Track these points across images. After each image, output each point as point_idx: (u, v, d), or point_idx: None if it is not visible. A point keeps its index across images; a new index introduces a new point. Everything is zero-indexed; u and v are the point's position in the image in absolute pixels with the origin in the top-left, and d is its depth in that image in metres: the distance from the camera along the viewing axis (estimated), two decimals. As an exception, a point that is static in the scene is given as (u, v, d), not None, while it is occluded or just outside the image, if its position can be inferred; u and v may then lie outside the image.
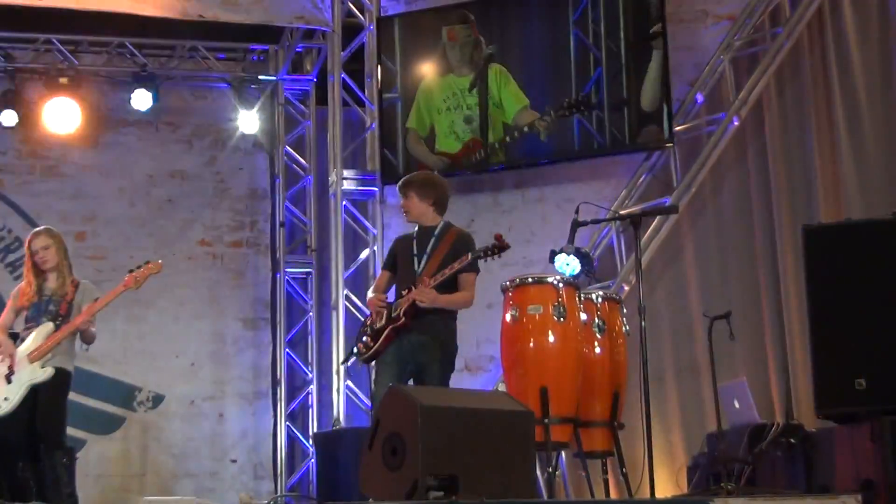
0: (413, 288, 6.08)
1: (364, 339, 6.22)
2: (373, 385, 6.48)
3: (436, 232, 6.25)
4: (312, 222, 9.76)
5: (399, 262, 6.32)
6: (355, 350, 6.32)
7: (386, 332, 6.09)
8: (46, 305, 6.74)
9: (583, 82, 8.71)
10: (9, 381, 6.59)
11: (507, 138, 8.88)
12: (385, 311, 6.15)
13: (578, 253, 6.59)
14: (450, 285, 6.10)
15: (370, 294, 6.40)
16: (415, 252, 6.23)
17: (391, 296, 6.35)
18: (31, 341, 6.64)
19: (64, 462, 6.60)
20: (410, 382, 6.15)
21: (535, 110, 8.80)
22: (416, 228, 6.34)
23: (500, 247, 5.98)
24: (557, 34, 8.85)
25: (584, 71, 8.73)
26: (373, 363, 6.32)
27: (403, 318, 6.04)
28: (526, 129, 8.83)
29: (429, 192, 6.31)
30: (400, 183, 6.42)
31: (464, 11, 9.10)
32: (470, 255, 6.02)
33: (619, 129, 8.63)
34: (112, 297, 6.73)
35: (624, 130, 8.62)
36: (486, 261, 6.08)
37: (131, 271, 6.83)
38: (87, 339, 6.85)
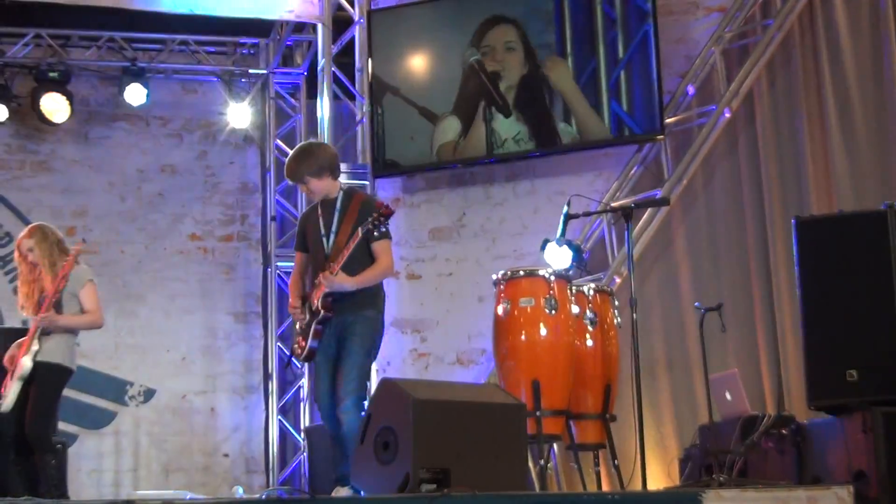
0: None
1: (298, 338, 5.89)
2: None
3: (337, 205, 5.82)
4: (303, 217, 9.76)
5: (309, 244, 5.90)
6: (293, 353, 6.00)
7: (313, 329, 5.76)
8: (41, 303, 6.64)
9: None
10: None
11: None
12: (306, 309, 5.82)
13: (570, 244, 6.56)
14: (364, 256, 5.70)
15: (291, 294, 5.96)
16: (322, 232, 5.80)
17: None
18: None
19: (52, 463, 6.50)
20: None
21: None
22: (319, 201, 5.91)
23: (384, 215, 5.56)
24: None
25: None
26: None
27: (323, 311, 5.71)
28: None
29: (318, 165, 5.81)
30: (288, 175, 5.86)
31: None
32: (360, 230, 5.59)
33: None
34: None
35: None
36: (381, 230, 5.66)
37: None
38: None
